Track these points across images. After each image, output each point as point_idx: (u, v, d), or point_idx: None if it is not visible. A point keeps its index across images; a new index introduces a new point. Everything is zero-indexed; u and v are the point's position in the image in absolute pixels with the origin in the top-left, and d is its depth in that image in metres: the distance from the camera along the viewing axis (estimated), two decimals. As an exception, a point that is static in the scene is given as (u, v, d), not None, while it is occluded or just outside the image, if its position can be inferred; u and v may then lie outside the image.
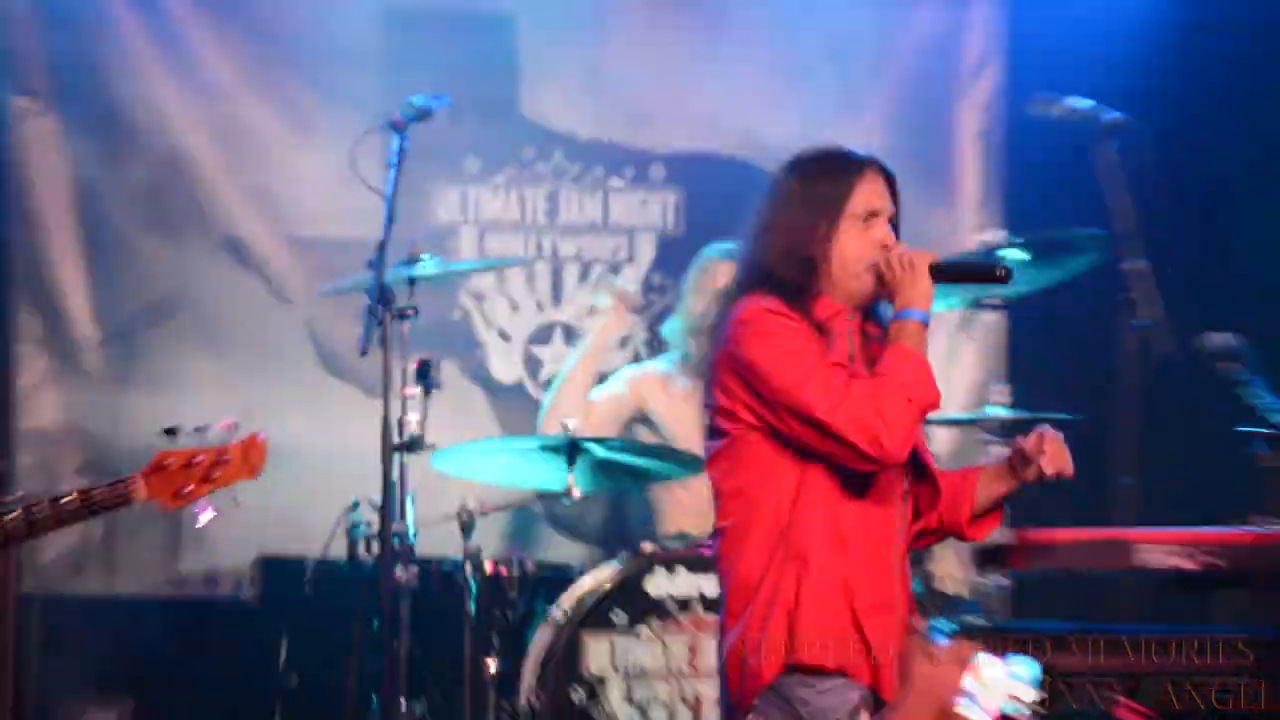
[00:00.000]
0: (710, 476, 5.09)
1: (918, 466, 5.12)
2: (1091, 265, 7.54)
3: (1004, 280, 5.11)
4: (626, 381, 7.99)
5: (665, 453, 7.47)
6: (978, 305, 7.76)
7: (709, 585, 6.84)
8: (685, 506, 7.75)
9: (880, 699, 4.80)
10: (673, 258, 8.82)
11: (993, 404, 7.62)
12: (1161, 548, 6.77)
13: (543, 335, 9.17)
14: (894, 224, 5.07)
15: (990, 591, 7.41)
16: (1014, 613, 7.49)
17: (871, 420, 4.84)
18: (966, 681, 3.79)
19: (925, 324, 4.98)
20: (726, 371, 4.98)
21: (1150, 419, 7.55)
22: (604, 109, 9.21)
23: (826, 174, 5.05)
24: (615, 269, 9.19)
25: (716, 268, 7.76)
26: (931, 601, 7.26)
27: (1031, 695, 3.78)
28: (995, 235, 7.72)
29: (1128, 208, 7.42)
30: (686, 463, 7.30)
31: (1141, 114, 7.62)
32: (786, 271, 4.99)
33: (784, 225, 5.03)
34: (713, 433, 5.06)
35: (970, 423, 7.84)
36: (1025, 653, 3.82)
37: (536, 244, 9.22)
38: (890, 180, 5.07)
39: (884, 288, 5.01)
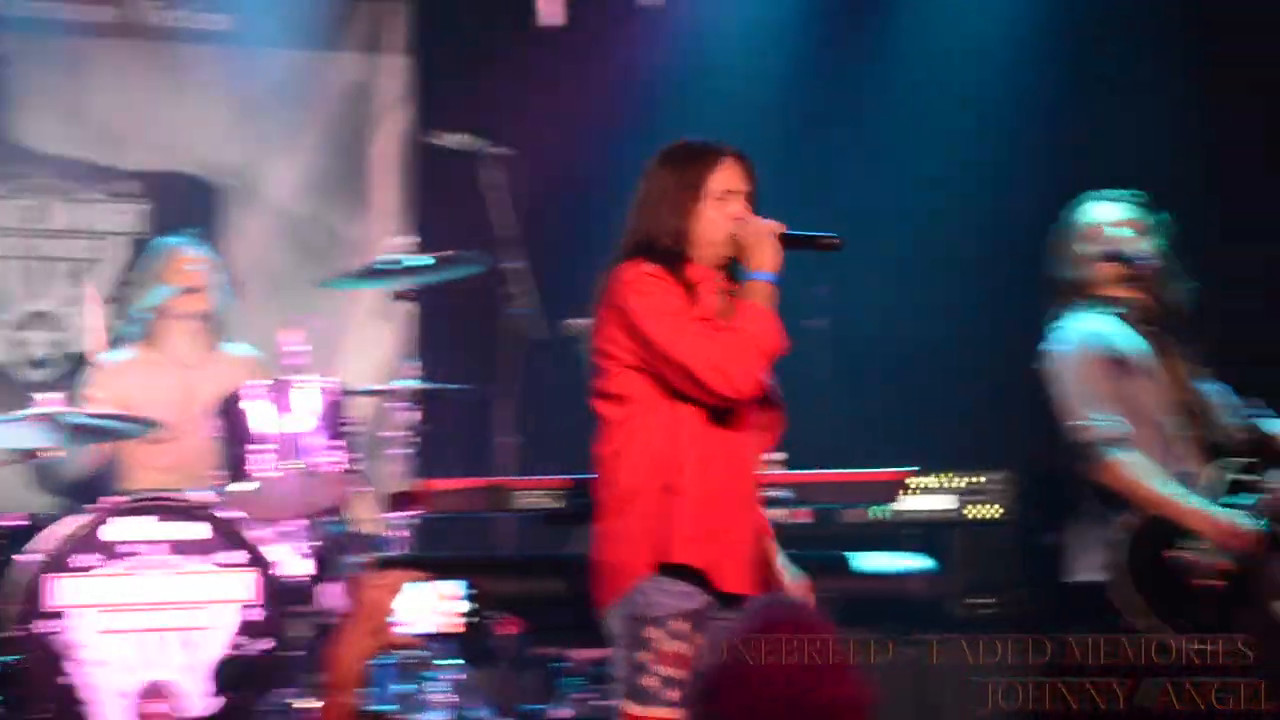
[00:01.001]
0: (595, 408, 4.97)
1: (767, 404, 5.03)
2: (482, 268, 7.46)
3: (835, 248, 4.99)
4: (102, 390, 7.45)
5: (124, 418, 6.99)
6: (395, 297, 7.51)
7: (170, 531, 6.51)
8: (149, 465, 7.28)
9: (736, 597, 4.78)
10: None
11: (405, 377, 7.45)
12: (534, 492, 6.63)
13: (28, 323, 8.66)
14: (752, 200, 4.97)
15: (400, 530, 7.14)
16: (419, 547, 7.22)
17: (726, 366, 4.78)
18: (397, 604, 3.50)
19: (773, 283, 4.88)
20: (613, 323, 4.90)
21: (527, 388, 7.48)
22: (86, 135, 8.72)
23: (690, 160, 4.97)
24: (94, 267, 8.71)
25: (174, 252, 7.43)
26: (353, 541, 6.98)
27: (451, 610, 3.52)
28: (405, 241, 7.49)
29: (507, 218, 7.36)
30: (145, 426, 6.93)
31: (515, 144, 7.51)
32: (662, 241, 4.91)
33: (658, 203, 4.94)
34: (599, 372, 4.95)
35: (390, 392, 7.58)
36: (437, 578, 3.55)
37: (29, 247, 8.68)
38: (746, 165, 4.98)
39: (739, 254, 4.92)
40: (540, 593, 6.36)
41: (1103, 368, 5.73)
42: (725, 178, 4.96)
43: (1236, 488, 5.58)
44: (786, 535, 7.35)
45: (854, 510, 7.40)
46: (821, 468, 6.96)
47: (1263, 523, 5.48)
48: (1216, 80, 8.36)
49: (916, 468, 6.56)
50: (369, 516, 7.32)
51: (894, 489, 6.30)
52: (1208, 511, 5.50)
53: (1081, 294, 5.94)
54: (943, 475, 7.44)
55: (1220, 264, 8.00)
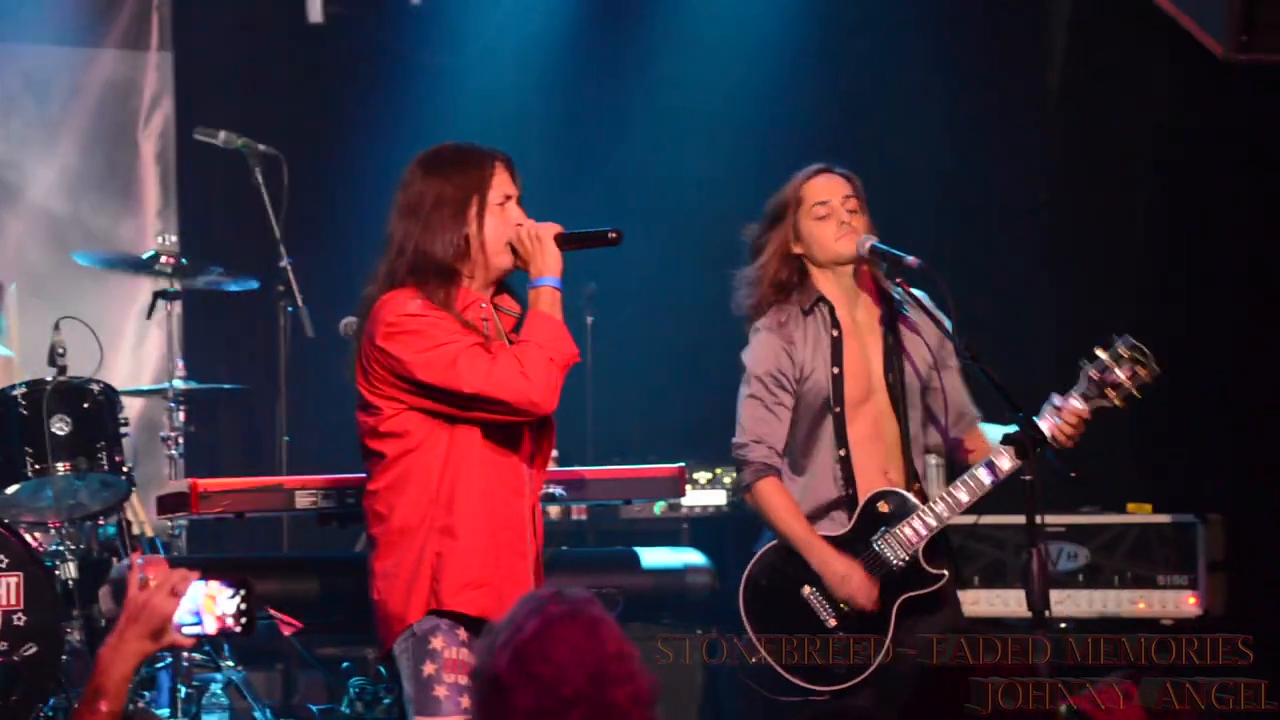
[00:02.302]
0: (363, 443, 4.75)
1: (543, 425, 4.83)
2: (246, 288, 7.47)
3: (616, 243, 4.83)
4: None
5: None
6: (158, 296, 7.34)
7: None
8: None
9: None
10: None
11: (175, 378, 7.29)
12: (311, 491, 6.52)
13: None
14: (520, 203, 4.78)
15: (173, 531, 7.01)
16: (192, 548, 7.11)
17: (518, 381, 4.58)
18: (179, 606, 3.38)
19: (558, 289, 4.70)
20: (376, 362, 4.64)
21: (301, 386, 7.39)
22: None
23: (464, 167, 4.72)
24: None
25: None
26: (127, 541, 6.82)
27: (234, 609, 3.41)
28: (168, 241, 7.36)
29: (277, 218, 7.26)
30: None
31: (282, 142, 7.45)
32: (437, 255, 4.66)
33: (432, 214, 4.68)
34: (368, 407, 4.70)
35: (158, 392, 7.43)
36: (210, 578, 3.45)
37: None
38: (513, 167, 4.77)
39: (520, 261, 4.72)
40: (322, 593, 6.28)
41: (772, 383, 5.47)
42: (501, 183, 4.75)
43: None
44: (565, 531, 7.43)
45: (631, 506, 7.43)
46: (586, 464, 6.97)
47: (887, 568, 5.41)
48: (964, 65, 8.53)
49: (684, 463, 6.57)
50: (142, 518, 7.16)
51: (680, 483, 6.30)
52: (830, 558, 5.36)
53: (776, 290, 5.55)
54: (714, 470, 7.49)
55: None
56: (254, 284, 7.43)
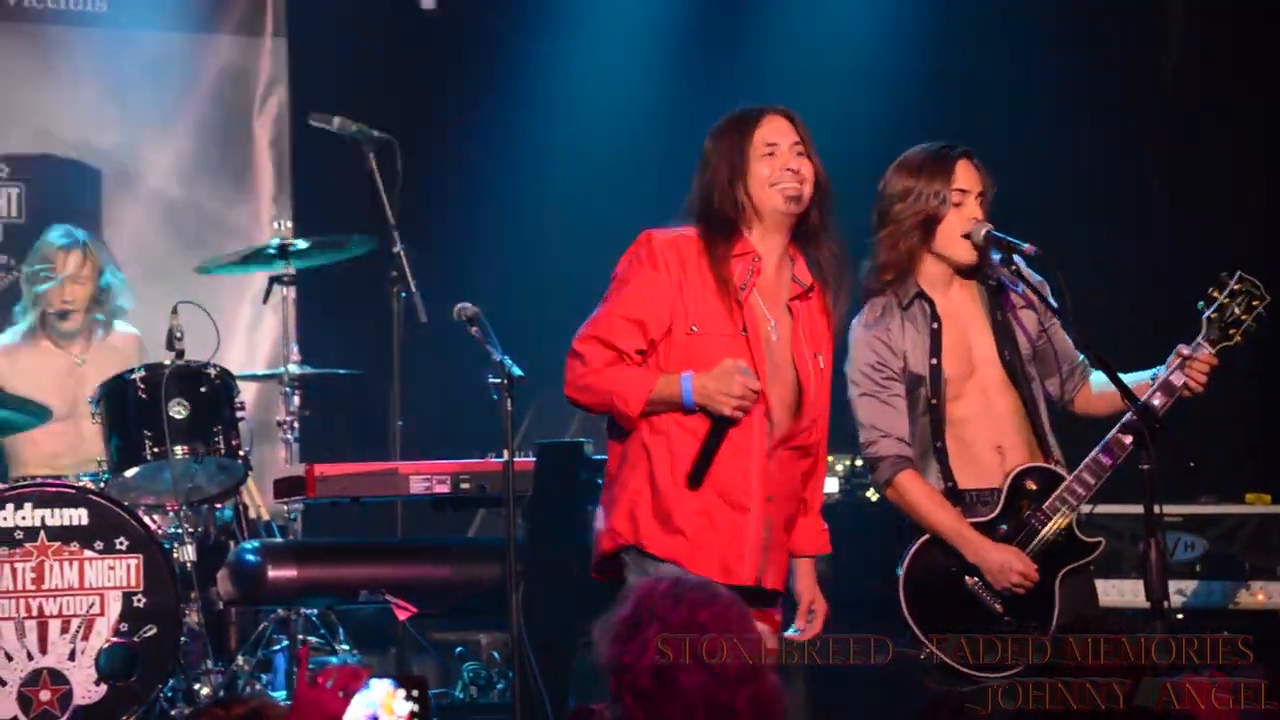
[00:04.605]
0: None
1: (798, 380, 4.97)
2: (366, 252, 7.45)
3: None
4: None
5: (16, 403, 6.80)
6: (274, 281, 7.39)
7: (52, 518, 6.25)
8: (39, 451, 7.14)
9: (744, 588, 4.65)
10: (15, 242, 8.21)
11: (290, 363, 7.35)
12: (425, 476, 6.58)
13: None
14: (808, 149, 4.97)
15: (288, 515, 7.08)
16: (306, 532, 7.16)
17: (574, 365, 4.85)
18: (352, 705, 3.34)
19: (691, 410, 4.82)
20: None
21: (414, 371, 7.42)
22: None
23: (732, 125, 4.96)
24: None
25: (55, 255, 7.24)
26: (244, 525, 6.90)
27: (406, 712, 3.36)
28: (283, 225, 7.43)
29: (391, 203, 7.29)
30: (36, 412, 6.75)
31: (396, 128, 7.49)
32: (724, 210, 4.89)
33: (708, 172, 4.93)
34: None
35: (273, 377, 7.49)
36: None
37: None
38: (793, 118, 4.98)
39: (792, 206, 4.94)
40: (436, 577, 6.31)
41: (880, 377, 5.35)
42: (766, 132, 4.94)
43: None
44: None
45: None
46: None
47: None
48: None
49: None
50: (257, 502, 7.23)
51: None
52: (984, 548, 5.26)
53: (888, 276, 5.41)
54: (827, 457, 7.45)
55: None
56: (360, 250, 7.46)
